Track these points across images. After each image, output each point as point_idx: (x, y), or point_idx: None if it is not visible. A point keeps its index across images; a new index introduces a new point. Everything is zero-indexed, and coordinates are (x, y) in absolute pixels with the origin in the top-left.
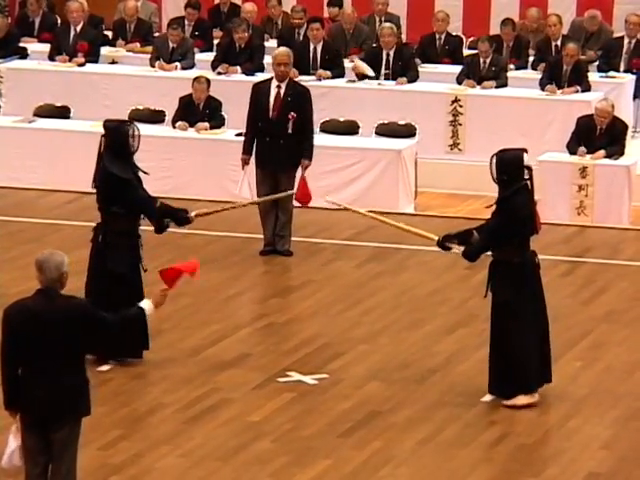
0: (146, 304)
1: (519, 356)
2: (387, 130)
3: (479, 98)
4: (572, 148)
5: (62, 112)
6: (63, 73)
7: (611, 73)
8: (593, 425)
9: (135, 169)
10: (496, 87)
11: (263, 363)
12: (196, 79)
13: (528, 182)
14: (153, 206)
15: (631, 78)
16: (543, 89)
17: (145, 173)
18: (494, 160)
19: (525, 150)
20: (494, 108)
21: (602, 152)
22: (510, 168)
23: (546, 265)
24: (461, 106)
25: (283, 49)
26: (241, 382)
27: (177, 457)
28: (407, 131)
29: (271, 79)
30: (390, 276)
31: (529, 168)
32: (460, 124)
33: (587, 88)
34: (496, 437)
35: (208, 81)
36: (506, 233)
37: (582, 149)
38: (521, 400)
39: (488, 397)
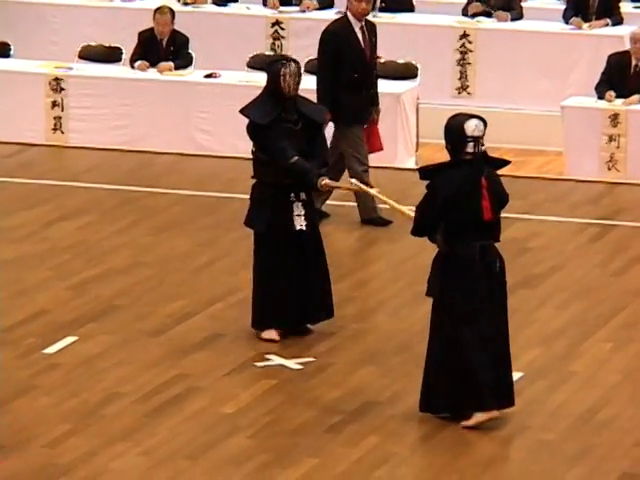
0: None
1: (459, 365)
2: (383, 70)
3: (492, 33)
4: (601, 91)
5: (1, 49)
6: (1, 3)
7: None
8: (627, 418)
9: (293, 115)
10: (511, 20)
11: (238, 345)
12: (158, 10)
13: (471, 157)
14: (284, 161)
15: None
16: (567, 22)
17: (315, 122)
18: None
19: (477, 117)
20: (509, 44)
21: (637, 96)
22: (450, 137)
23: (572, 229)
24: (470, 42)
25: None
26: (212, 367)
27: (137, 456)
28: (407, 72)
29: (344, 19)
30: (387, 242)
31: (476, 140)
32: (469, 63)
33: (619, 21)
34: (512, 431)
35: (172, 12)
36: (427, 214)
37: (611, 92)
38: (477, 418)
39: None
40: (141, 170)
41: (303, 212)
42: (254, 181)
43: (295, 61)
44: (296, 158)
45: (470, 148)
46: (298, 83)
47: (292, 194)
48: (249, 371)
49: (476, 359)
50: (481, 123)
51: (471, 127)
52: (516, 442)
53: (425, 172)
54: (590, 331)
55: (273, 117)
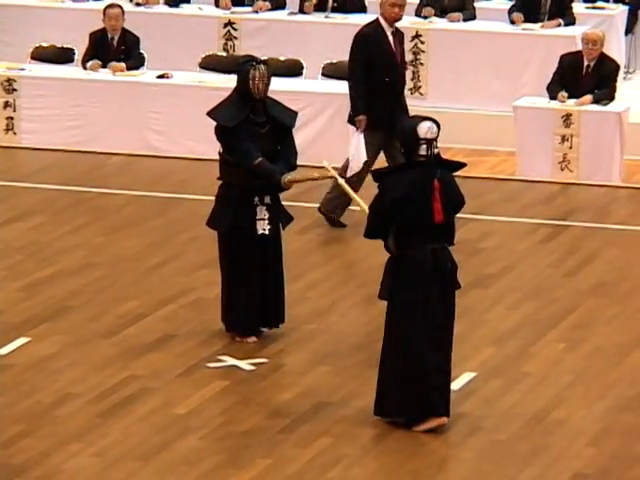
0: None
1: (411, 369)
2: (336, 71)
3: (444, 33)
4: (553, 91)
5: None
6: None
7: (599, 3)
8: (579, 418)
9: (261, 117)
10: (464, 20)
11: (190, 346)
12: (107, 6)
13: (424, 159)
14: (249, 162)
15: (623, 9)
16: (510, 19)
17: (284, 125)
18: None
19: (431, 119)
20: (462, 45)
21: (589, 97)
22: (404, 139)
23: (524, 230)
24: (423, 42)
25: None
26: (164, 368)
27: (90, 456)
28: None
29: (376, 23)
30: (340, 243)
31: (429, 142)
32: (422, 64)
33: (571, 21)
34: (465, 432)
35: (122, 8)
36: (377, 215)
37: (563, 93)
38: (428, 424)
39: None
40: (93, 171)
41: (267, 216)
42: (220, 182)
43: (265, 63)
44: (260, 159)
45: (423, 150)
46: (267, 85)
47: (256, 197)
48: (201, 372)
49: (427, 363)
50: (434, 125)
51: (424, 129)
52: (469, 442)
53: (378, 174)
54: (542, 331)
55: (240, 119)
